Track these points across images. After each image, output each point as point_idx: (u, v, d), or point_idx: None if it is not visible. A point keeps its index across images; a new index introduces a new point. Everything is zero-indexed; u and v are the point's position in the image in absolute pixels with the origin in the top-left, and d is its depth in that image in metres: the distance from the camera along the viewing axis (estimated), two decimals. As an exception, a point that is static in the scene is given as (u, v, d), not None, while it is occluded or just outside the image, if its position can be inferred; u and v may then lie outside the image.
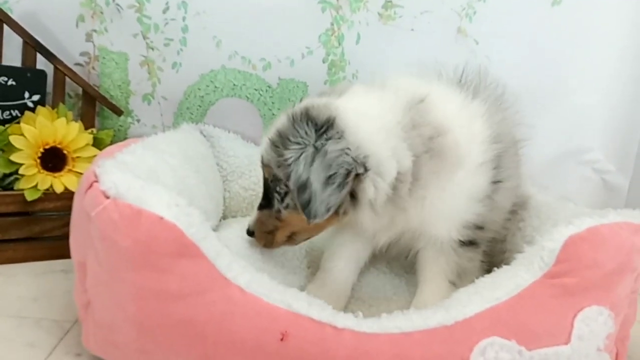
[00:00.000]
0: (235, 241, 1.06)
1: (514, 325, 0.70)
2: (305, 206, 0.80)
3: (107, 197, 0.67)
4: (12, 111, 1.20)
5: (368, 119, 0.85)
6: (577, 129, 1.57)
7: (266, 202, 0.92)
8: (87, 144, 1.19)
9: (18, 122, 1.13)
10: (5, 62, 1.22)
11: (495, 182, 0.92)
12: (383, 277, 1.07)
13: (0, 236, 1.11)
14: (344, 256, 1.01)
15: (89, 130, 1.22)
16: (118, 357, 0.73)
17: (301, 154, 0.81)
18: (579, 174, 1.61)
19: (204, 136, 1.35)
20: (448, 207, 0.90)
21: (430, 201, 0.89)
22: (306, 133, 0.82)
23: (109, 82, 1.37)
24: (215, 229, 1.18)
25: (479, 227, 0.93)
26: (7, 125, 1.13)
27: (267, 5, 1.37)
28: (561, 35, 1.49)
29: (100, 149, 1.20)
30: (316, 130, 0.82)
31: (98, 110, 1.36)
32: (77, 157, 1.17)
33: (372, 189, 0.83)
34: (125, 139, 1.38)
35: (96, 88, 1.34)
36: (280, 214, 0.90)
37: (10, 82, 1.20)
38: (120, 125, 1.41)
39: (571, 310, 0.72)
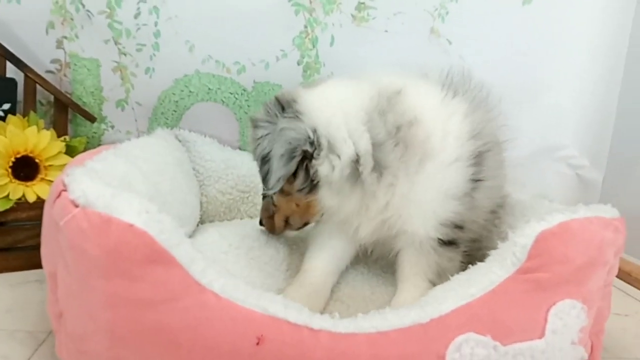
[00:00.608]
0: (211, 246, 1.05)
1: (488, 321, 0.70)
2: (264, 177, 0.91)
3: (76, 206, 0.66)
4: (-18, 120, 1.18)
5: (329, 103, 0.91)
6: (552, 126, 1.60)
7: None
8: (60, 152, 1.17)
9: (-12, 132, 1.11)
10: (-26, 71, 1.20)
11: (475, 180, 0.92)
12: (361, 277, 1.07)
13: (-28, 248, 1.09)
14: (323, 257, 1.02)
15: (62, 138, 1.21)
16: (90, 366, 0.72)
17: (267, 132, 0.91)
18: (555, 170, 1.63)
19: (179, 141, 1.34)
20: (421, 200, 0.90)
21: (401, 191, 0.90)
22: (272, 114, 0.92)
23: (81, 88, 1.36)
24: (192, 234, 1.17)
25: (459, 227, 0.93)
26: (-23, 135, 1.11)
27: (240, 8, 1.37)
28: (533, 35, 1.51)
29: (73, 157, 1.19)
30: (280, 112, 0.91)
31: (71, 117, 1.35)
32: (50, 165, 1.16)
33: (327, 167, 0.89)
34: (99, 145, 1.37)
35: (68, 95, 1.33)
36: (273, 199, 0.99)
37: (-21, 92, 1.18)
38: (94, 132, 1.39)
39: (544, 305, 0.72)
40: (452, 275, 0.85)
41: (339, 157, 0.88)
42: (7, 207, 1.09)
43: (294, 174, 0.91)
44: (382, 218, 0.93)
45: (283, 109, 0.91)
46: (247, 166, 1.36)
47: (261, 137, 0.91)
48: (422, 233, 0.93)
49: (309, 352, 0.67)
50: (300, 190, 0.92)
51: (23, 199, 1.11)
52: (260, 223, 1.09)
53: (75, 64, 1.34)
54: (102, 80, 1.36)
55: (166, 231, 0.67)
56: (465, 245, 0.98)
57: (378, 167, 0.89)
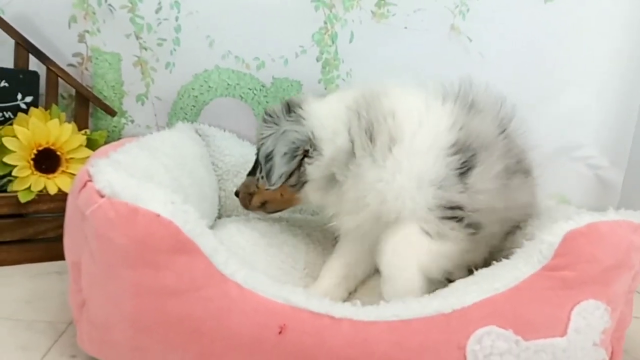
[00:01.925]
0: (229, 242, 1.05)
1: (511, 316, 0.70)
2: (267, 174, 0.98)
3: (102, 196, 0.67)
4: (4, 113, 1.20)
5: (326, 107, 1.00)
6: (571, 125, 1.58)
7: (253, 170, 1.10)
8: (81, 145, 1.18)
9: (11, 124, 1.12)
10: (-3, 64, 1.22)
11: (462, 168, 0.89)
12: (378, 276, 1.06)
13: (-6, 238, 1.10)
14: (340, 262, 1.04)
15: (83, 131, 1.22)
16: (113, 356, 0.73)
17: (272, 132, 0.99)
18: (573, 170, 1.61)
19: (199, 135, 1.35)
20: (392, 186, 0.89)
21: (369, 180, 0.91)
22: (278, 117, 1.01)
23: (102, 82, 1.37)
24: (210, 229, 1.17)
25: (456, 207, 0.89)
26: (0, 127, 1.12)
27: (261, 4, 1.37)
28: (554, 32, 1.50)
29: (94, 150, 1.20)
30: (285, 115, 1.00)
31: (91, 111, 1.36)
32: (71, 158, 1.17)
33: (314, 167, 0.97)
34: (119, 139, 1.38)
35: (89, 89, 1.33)
36: (259, 182, 1.05)
37: (2, 84, 1.19)
38: (114, 126, 1.40)
39: (568, 303, 0.72)
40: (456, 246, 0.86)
41: (323, 157, 0.96)
42: (29, 198, 1.10)
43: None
44: (362, 208, 0.93)
45: (289, 112, 1.00)
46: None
47: (266, 136, 0.99)
48: (410, 216, 0.90)
49: (330, 340, 0.67)
50: (292, 187, 1.01)
51: (44, 191, 1.12)
52: (236, 194, 1.13)
53: (96, 58, 1.35)
54: (122, 74, 1.37)
55: (191, 222, 0.68)
56: (475, 225, 0.92)
57: (349, 161, 0.93)
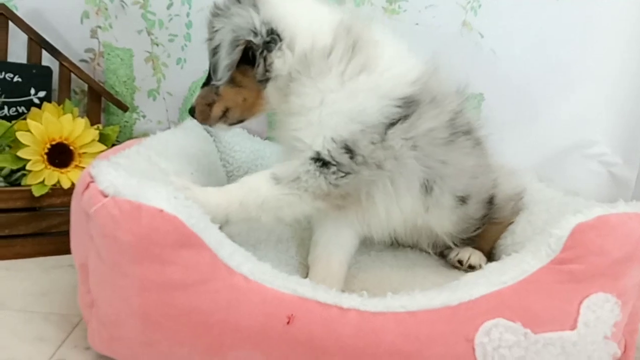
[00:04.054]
0: (238, 238, 1.06)
1: (519, 309, 0.70)
2: (214, 67, 0.91)
3: (105, 196, 0.68)
4: (18, 107, 1.21)
5: (302, 6, 0.95)
6: (584, 122, 1.57)
7: (208, 78, 0.99)
8: (94, 140, 1.19)
9: (24, 119, 1.14)
10: (10, 59, 1.23)
11: (393, 121, 0.88)
12: (389, 269, 1.07)
13: (8, 231, 1.11)
14: (334, 252, 1.01)
15: (95, 126, 1.22)
16: (124, 352, 0.74)
17: (222, 26, 0.90)
18: (586, 167, 1.60)
19: (208, 132, 1.35)
20: (333, 109, 0.89)
21: (327, 96, 0.89)
22: (228, 7, 0.92)
23: (114, 78, 1.38)
24: (220, 225, 1.17)
25: (348, 149, 0.87)
26: (13, 122, 1.14)
27: (272, 0, 1.37)
28: (567, 28, 1.49)
29: (107, 145, 1.21)
30: (236, 4, 0.92)
31: (104, 106, 1.37)
32: (84, 152, 1.18)
33: (281, 62, 0.91)
34: (131, 134, 1.40)
35: (101, 84, 1.35)
36: (218, 88, 0.96)
37: (16, 79, 1.21)
38: (126, 121, 1.41)
39: (577, 297, 0.72)
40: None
41: (293, 53, 0.91)
42: (42, 192, 1.11)
43: (252, 65, 0.92)
44: (294, 112, 0.92)
45: (239, 1, 0.92)
46: (276, 157, 1.36)
47: (217, 29, 0.91)
48: (310, 141, 0.89)
49: (338, 330, 0.68)
50: (260, 82, 0.93)
51: (58, 185, 1.13)
52: (191, 112, 1.02)
53: (108, 54, 1.36)
54: (134, 70, 1.38)
55: (195, 216, 0.69)
56: (345, 187, 0.89)
57: (314, 63, 0.90)
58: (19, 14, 1.22)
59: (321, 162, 0.87)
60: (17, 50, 1.24)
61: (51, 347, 0.80)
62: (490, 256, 1.11)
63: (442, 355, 0.69)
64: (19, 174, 1.13)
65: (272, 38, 0.90)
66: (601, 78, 1.54)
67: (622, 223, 0.73)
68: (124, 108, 1.35)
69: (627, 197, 1.60)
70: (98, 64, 1.37)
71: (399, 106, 0.88)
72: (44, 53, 1.25)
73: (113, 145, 1.25)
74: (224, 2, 0.94)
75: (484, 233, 1.10)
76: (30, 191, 1.10)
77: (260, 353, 0.68)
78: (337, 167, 0.87)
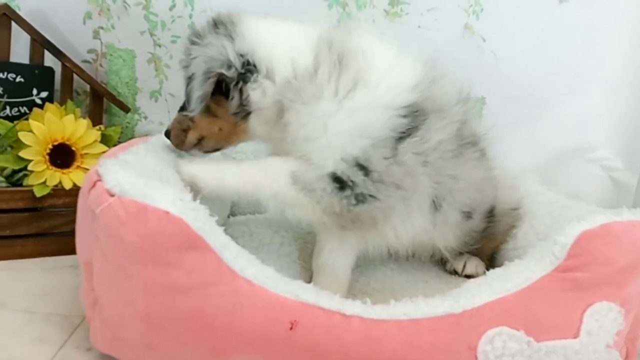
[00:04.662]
0: (241, 240, 1.06)
1: (522, 317, 0.70)
2: (187, 98, 0.89)
3: (112, 195, 0.67)
4: (20, 108, 1.21)
5: (276, 30, 0.91)
6: (585, 126, 1.57)
7: (184, 103, 0.95)
8: (96, 141, 1.19)
9: (26, 119, 1.14)
10: (13, 59, 1.23)
11: (402, 133, 0.85)
12: (390, 273, 1.07)
13: (9, 232, 1.11)
14: (338, 260, 0.99)
15: (97, 127, 1.22)
16: (126, 353, 0.74)
17: (198, 54, 0.88)
18: (587, 172, 1.60)
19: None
20: (335, 129, 0.85)
21: (322, 115, 0.86)
22: (204, 36, 0.89)
23: (117, 79, 1.38)
24: (223, 227, 1.17)
25: (361, 167, 0.84)
26: (15, 122, 1.14)
27: (274, 2, 1.36)
28: (568, 32, 1.49)
29: (109, 146, 1.21)
30: (212, 32, 0.89)
31: (106, 107, 1.37)
32: (86, 153, 1.18)
33: (259, 94, 0.88)
34: (133, 135, 1.40)
35: (104, 85, 1.35)
36: (194, 116, 0.92)
37: (18, 79, 1.21)
38: (128, 122, 1.41)
39: (581, 305, 0.72)
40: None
41: (274, 82, 0.87)
42: (44, 193, 1.11)
43: (227, 97, 0.89)
44: (300, 142, 0.88)
45: (216, 28, 0.89)
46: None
47: (193, 57, 0.89)
48: (321, 163, 0.85)
49: (341, 337, 0.68)
50: (235, 114, 0.90)
51: (59, 185, 1.13)
52: (166, 134, 0.99)
53: (111, 55, 1.36)
54: (137, 71, 1.38)
55: (200, 219, 0.68)
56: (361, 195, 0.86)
57: (303, 88, 0.86)
58: (21, 14, 1.22)
59: (338, 182, 0.84)
60: (20, 51, 1.24)
61: (52, 348, 0.80)
62: (492, 260, 1.11)
63: (444, 364, 0.69)
64: (20, 174, 1.13)
65: (248, 69, 0.87)
66: (603, 82, 1.54)
67: (627, 231, 0.73)
68: (125, 109, 1.35)
69: (628, 202, 1.60)
70: (100, 65, 1.37)
71: (404, 116, 0.85)
72: (47, 54, 1.25)
73: (115, 146, 1.25)
74: (203, 29, 0.91)
75: (479, 247, 1.08)
76: (31, 191, 1.10)
77: (263, 358, 0.69)
78: (353, 189, 0.84)
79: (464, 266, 1.08)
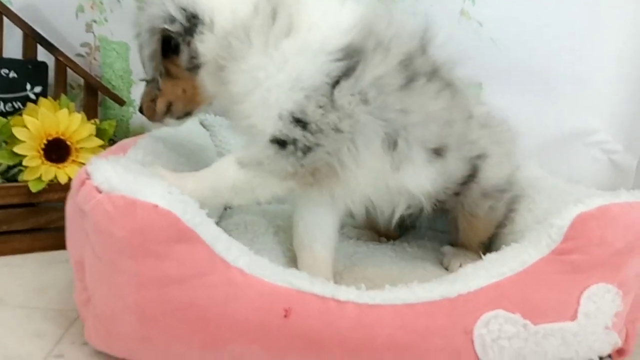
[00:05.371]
0: (236, 232, 1.06)
1: (518, 300, 0.70)
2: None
3: (100, 192, 0.67)
4: (14, 103, 1.21)
5: None
6: (584, 110, 1.56)
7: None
8: (90, 135, 1.18)
9: (20, 114, 1.13)
10: (6, 55, 1.23)
11: (338, 77, 0.81)
12: (389, 260, 1.06)
13: (5, 227, 1.11)
14: (316, 236, 0.97)
15: (92, 121, 1.22)
16: (121, 348, 0.73)
17: (142, 17, 0.87)
18: (587, 155, 1.59)
19: (204, 126, 1.34)
20: (269, 84, 0.82)
21: (255, 71, 0.83)
22: None
23: (111, 72, 1.37)
24: (218, 220, 1.17)
25: (299, 122, 0.81)
26: (9, 118, 1.13)
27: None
28: (566, 15, 1.47)
29: (104, 140, 1.20)
30: None
31: (100, 100, 1.36)
32: (81, 147, 1.17)
33: (206, 46, 0.85)
34: (128, 128, 1.39)
35: (98, 78, 1.34)
36: (159, 83, 0.92)
37: (11, 75, 1.20)
38: (123, 115, 1.41)
39: (577, 287, 0.71)
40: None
41: (215, 34, 0.85)
42: (40, 188, 1.10)
43: (177, 53, 0.87)
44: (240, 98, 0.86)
45: None
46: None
47: (139, 22, 0.88)
48: (262, 126, 0.84)
49: (336, 323, 0.68)
50: (189, 70, 0.88)
51: (55, 180, 1.13)
52: (140, 110, 0.99)
53: (104, 48, 1.35)
54: (131, 63, 1.38)
55: (189, 211, 0.68)
56: (310, 162, 0.83)
57: (240, 39, 0.84)
58: (13, 9, 1.21)
59: (278, 143, 0.82)
60: (12, 46, 1.24)
61: (49, 343, 0.80)
62: (490, 245, 1.10)
63: (440, 348, 0.69)
64: (15, 169, 1.12)
65: (194, 22, 0.85)
66: (602, 65, 1.53)
67: (625, 213, 0.73)
68: (120, 102, 1.35)
69: (628, 184, 1.59)
70: (94, 58, 1.37)
71: (339, 59, 0.81)
72: (40, 48, 1.24)
73: (110, 139, 1.25)
74: None
75: (465, 228, 1.05)
76: (27, 187, 1.10)
77: (258, 347, 0.68)
78: (295, 144, 0.82)
79: (460, 267, 1.06)
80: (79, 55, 1.35)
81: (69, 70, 1.27)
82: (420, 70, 0.87)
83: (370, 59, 0.83)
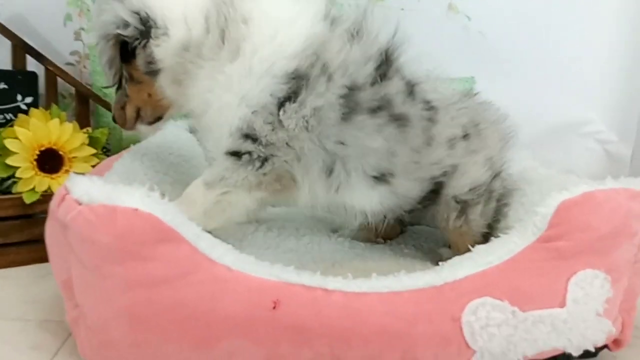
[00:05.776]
0: (224, 234, 1.05)
1: (506, 288, 0.70)
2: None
3: (80, 204, 0.68)
4: (5, 115, 1.21)
5: None
6: (578, 100, 1.56)
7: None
8: (83, 144, 1.18)
9: (12, 126, 1.13)
10: (-5, 66, 1.22)
11: (283, 99, 0.83)
12: (389, 254, 1.07)
13: (1, 240, 1.11)
14: None
15: (84, 130, 1.22)
16: (113, 357, 0.73)
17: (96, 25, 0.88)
18: (581, 145, 1.60)
19: (191, 132, 1.33)
20: (221, 102, 0.85)
21: (205, 86, 0.86)
22: (102, 4, 0.87)
23: (101, 80, 1.36)
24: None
25: (249, 137, 0.84)
26: (1, 129, 1.13)
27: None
28: (555, 6, 1.48)
29: (96, 148, 1.20)
30: None
31: (93, 109, 1.36)
32: (74, 157, 1.17)
33: (162, 50, 0.86)
34: (120, 136, 1.39)
35: (89, 86, 1.34)
36: (126, 90, 0.93)
37: (2, 86, 1.20)
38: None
39: (564, 274, 0.71)
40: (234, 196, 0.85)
41: (169, 38, 0.85)
42: (34, 199, 1.10)
43: (135, 57, 0.88)
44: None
45: None
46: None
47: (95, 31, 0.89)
48: (216, 142, 0.87)
49: (324, 312, 0.68)
50: (148, 74, 0.88)
51: (49, 191, 1.13)
52: (113, 119, 0.99)
53: (94, 55, 1.35)
54: (121, 70, 1.37)
55: (170, 212, 0.69)
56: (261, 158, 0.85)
57: (197, 59, 0.86)
58: (1, 20, 1.21)
59: (233, 155, 0.85)
60: (1, 57, 1.24)
61: (47, 355, 0.80)
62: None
63: (429, 335, 0.69)
64: (9, 181, 1.12)
65: (148, 26, 0.85)
66: (594, 55, 1.53)
67: (609, 198, 0.73)
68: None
69: (624, 174, 1.57)
70: (84, 67, 1.37)
71: (283, 83, 0.83)
72: (29, 58, 1.24)
73: (103, 147, 1.25)
74: (99, 2, 0.90)
75: (451, 234, 1.01)
76: (21, 199, 1.09)
77: (249, 341, 0.68)
78: (250, 155, 0.84)
79: None
80: (68, 64, 1.35)
81: (59, 79, 1.27)
82: (363, 104, 0.86)
83: (312, 87, 0.83)
